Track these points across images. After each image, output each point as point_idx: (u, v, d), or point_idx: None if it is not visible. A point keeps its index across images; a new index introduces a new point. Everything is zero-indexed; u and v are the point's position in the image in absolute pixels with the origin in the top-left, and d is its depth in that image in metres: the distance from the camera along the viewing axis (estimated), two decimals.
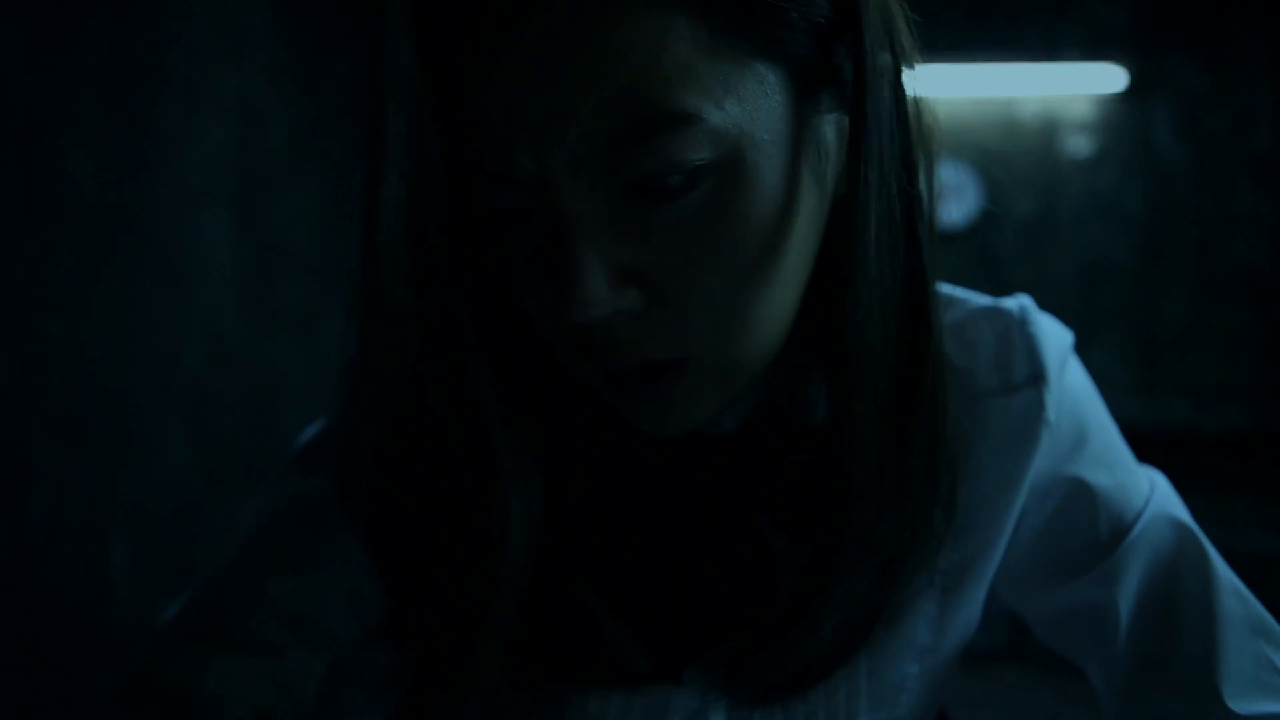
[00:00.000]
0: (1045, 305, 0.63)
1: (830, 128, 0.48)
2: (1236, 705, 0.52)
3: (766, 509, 0.54)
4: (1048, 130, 3.54)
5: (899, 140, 0.47)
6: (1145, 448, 0.64)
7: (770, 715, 0.58)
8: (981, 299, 0.62)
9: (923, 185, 0.49)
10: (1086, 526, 0.59)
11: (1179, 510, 0.60)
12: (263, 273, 2.43)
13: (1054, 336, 0.61)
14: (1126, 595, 0.57)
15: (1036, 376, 0.58)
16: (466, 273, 0.47)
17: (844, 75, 0.47)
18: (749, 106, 0.43)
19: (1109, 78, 3.44)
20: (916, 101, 0.49)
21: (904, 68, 0.48)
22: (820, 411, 0.53)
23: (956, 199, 3.48)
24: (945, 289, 0.62)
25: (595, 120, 0.41)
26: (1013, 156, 3.54)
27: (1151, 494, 0.60)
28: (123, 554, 1.89)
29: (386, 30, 0.41)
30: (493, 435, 0.48)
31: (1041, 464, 0.58)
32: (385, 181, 0.42)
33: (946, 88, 3.45)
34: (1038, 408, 0.58)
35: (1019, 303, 0.61)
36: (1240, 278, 3.43)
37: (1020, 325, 0.60)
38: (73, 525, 1.77)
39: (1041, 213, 3.53)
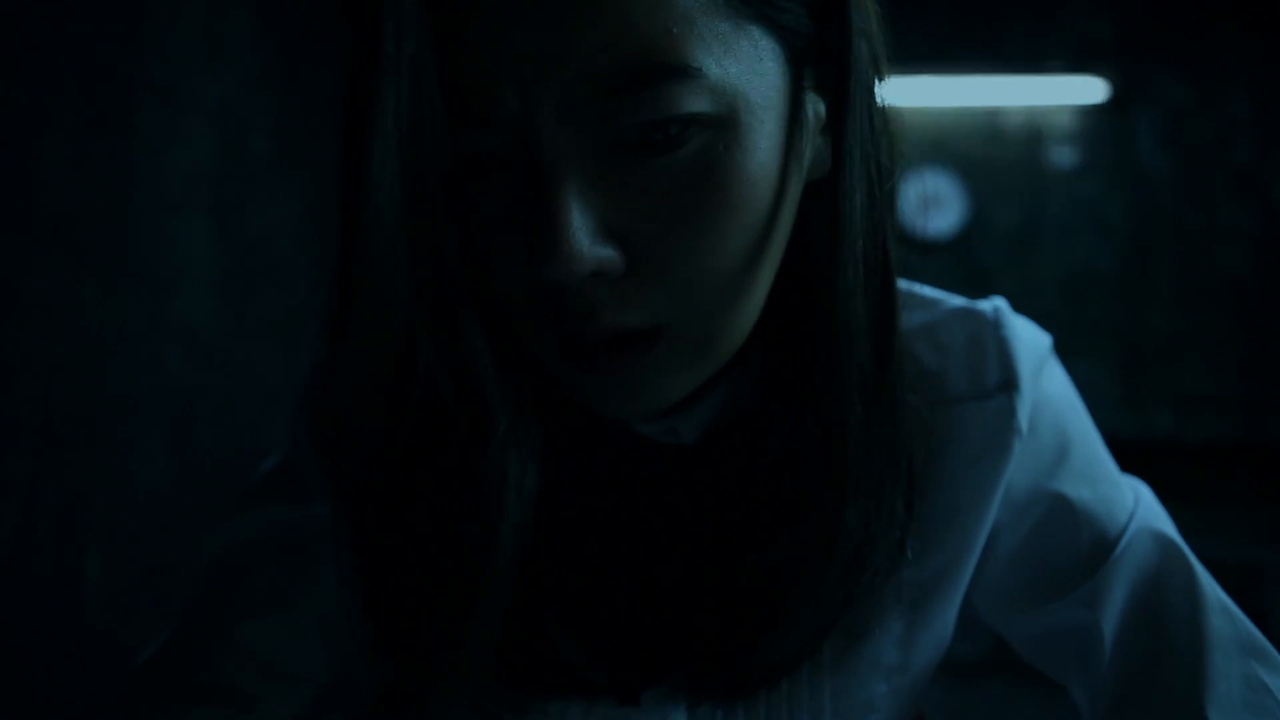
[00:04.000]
0: (1030, 315, 0.61)
1: (811, 110, 0.47)
2: None
3: (729, 521, 0.51)
4: (1032, 140, 3.56)
5: (874, 130, 0.47)
6: (1130, 458, 0.63)
7: None
8: (955, 300, 0.60)
9: (889, 180, 0.49)
10: (1068, 544, 0.57)
11: (1164, 524, 0.58)
12: (243, 280, 2.41)
13: (1029, 340, 0.59)
14: (1111, 616, 0.55)
15: (1009, 382, 0.56)
16: (459, 219, 0.44)
17: (828, 57, 0.46)
18: (745, 68, 0.42)
19: (1093, 89, 3.45)
20: (884, 107, 0.49)
21: (879, 66, 0.48)
22: (780, 426, 0.50)
23: (942, 209, 3.49)
24: (920, 289, 0.61)
25: (591, 62, 0.39)
26: (997, 166, 3.55)
27: (1136, 508, 0.58)
28: (96, 565, 1.87)
29: None
30: (489, 390, 0.45)
31: (1018, 476, 0.57)
32: (383, 114, 0.39)
33: (932, 97, 3.46)
34: (1009, 416, 0.56)
35: (993, 304, 0.59)
36: (1224, 288, 3.45)
37: (993, 327, 0.58)
38: (46, 536, 1.74)
39: (1026, 223, 3.54)
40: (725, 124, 0.42)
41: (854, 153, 0.45)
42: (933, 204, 3.47)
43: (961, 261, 3.51)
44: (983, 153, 3.55)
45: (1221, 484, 3.30)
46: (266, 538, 0.55)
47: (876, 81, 0.48)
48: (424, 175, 0.41)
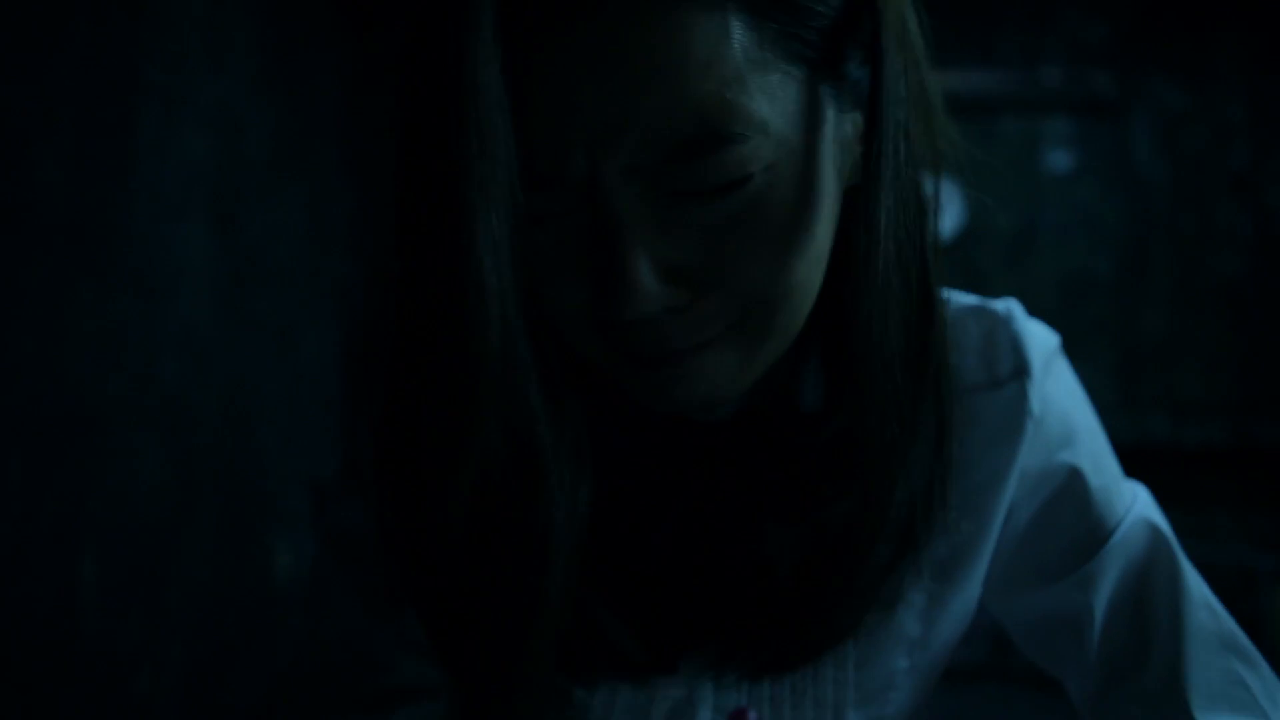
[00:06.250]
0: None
1: (849, 125, 0.50)
2: (1204, 717, 0.52)
3: (762, 495, 0.54)
4: (1028, 144, 3.56)
5: (910, 139, 0.50)
6: (1125, 462, 0.64)
7: (757, 707, 0.58)
8: (968, 298, 0.64)
9: (928, 184, 0.52)
10: (1072, 523, 0.59)
11: (1158, 519, 0.61)
12: (241, 285, 2.41)
13: (1039, 336, 0.62)
14: (1102, 600, 0.58)
15: (1021, 371, 0.60)
16: (520, 272, 0.46)
17: (864, 76, 0.49)
18: (791, 113, 0.45)
19: (1089, 94, 3.46)
20: (928, 104, 0.52)
21: (917, 71, 0.51)
22: (810, 399, 0.54)
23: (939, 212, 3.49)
24: None
25: (652, 130, 0.41)
26: (993, 170, 3.55)
27: (1134, 503, 0.61)
28: (92, 570, 1.86)
29: (467, 32, 0.40)
30: (541, 440, 0.48)
31: (1029, 459, 0.59)
32: (476, 186, 0.41)
33: None
34: (1022, 400, 0.59)
35: (1006, 304, 0.63)
36: (1220, 292, 3.45)
37: (1006, 323, 0.61)
38: (42, 539, 1.74)
39: (1022, 227, 3.54)
40: (774, 167, 0.45)
41: (885, 165, 0.48)
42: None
43: (957, 265, 3.51)
44: (978, 157, 3.55)
45: (1216, 488, 3.31)
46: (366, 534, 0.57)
47: (917, 96, 0.51)
48: (495, 237, 0.43)
